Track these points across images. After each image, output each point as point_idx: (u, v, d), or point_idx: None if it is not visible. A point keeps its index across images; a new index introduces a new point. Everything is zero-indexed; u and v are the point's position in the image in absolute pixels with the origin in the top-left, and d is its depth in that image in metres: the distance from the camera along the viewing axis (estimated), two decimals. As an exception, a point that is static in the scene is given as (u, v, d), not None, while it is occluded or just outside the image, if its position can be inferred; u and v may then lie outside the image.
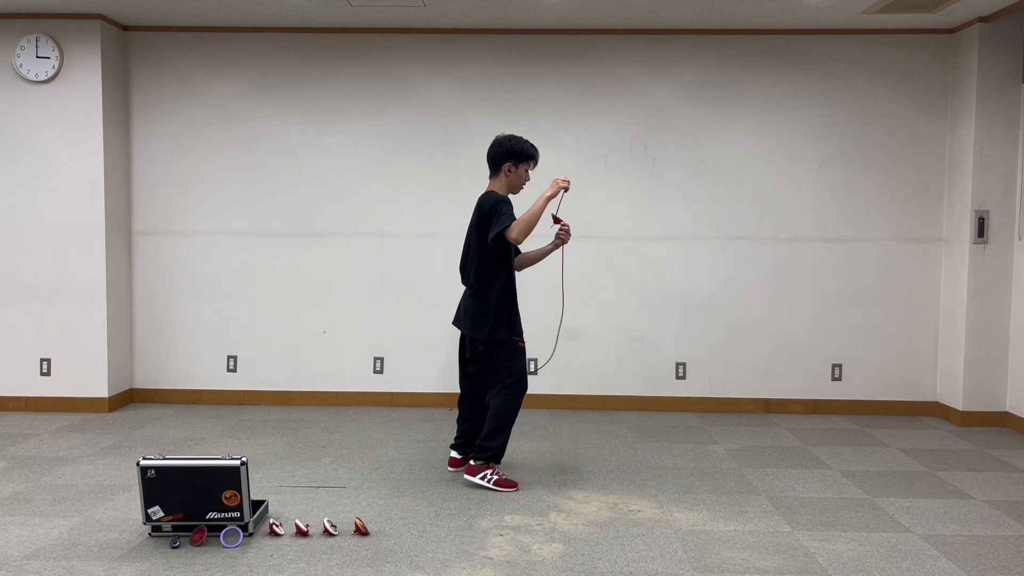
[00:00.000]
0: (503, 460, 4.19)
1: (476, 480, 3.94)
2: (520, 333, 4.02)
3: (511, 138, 4.04)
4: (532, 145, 4.06)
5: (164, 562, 3.08)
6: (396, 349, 5.67)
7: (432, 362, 5.67)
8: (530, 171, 4.09)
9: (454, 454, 4.22)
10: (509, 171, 4.04)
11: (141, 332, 5.70)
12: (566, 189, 3.91)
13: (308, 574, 2.99)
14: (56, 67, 5.24)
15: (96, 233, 5.33)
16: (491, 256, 3.95)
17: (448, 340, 5.64)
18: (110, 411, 5.42)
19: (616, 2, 4.85)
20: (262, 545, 3.24)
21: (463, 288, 4.37)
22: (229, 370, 5.70)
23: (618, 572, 3.02)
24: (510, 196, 4.04)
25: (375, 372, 5.69)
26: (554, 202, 3.95)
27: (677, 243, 5.54)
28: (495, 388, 3.99)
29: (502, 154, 4.03)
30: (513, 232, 3.79)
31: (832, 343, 5.57)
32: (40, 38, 5.23)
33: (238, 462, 3.23)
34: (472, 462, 3.98)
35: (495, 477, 3.94)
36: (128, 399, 5.67)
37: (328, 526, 3.35)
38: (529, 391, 5.61)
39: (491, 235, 3.85)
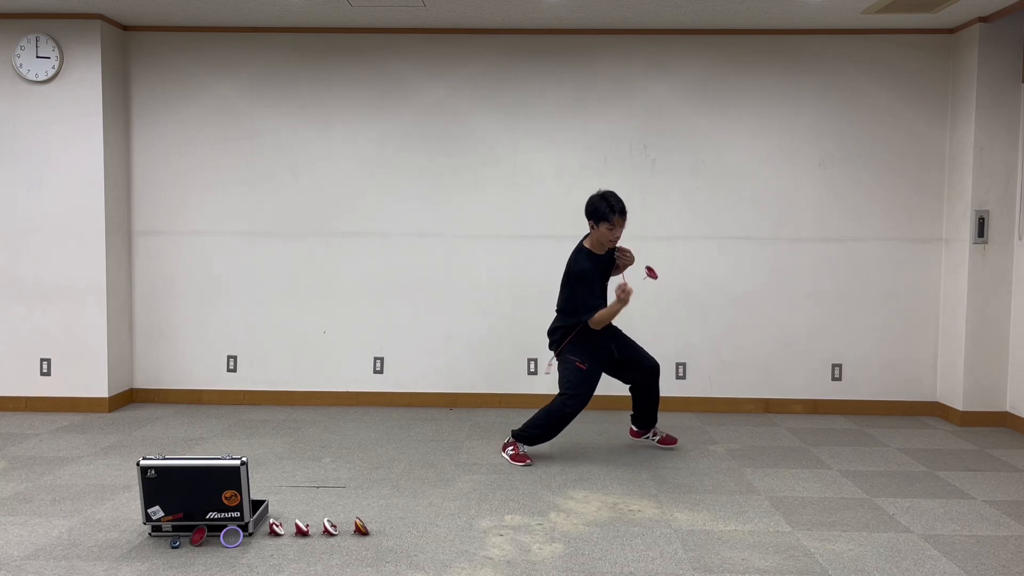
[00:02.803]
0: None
1: (503, 453, 4.48)
2: (583, 358, 4.32)
3: (595, 197, 4.25)
4: (610, 206, 4.17)
5: (164, 562, 3.08)
6: (396, 349, 5.67)
7: (432, 362, 5.67)
8: (613, 231, 4.21)
9: (633, 427, 4.74)
10: (593, 228, 4.26)
11: (141, 332, 5.70)
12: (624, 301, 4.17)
13: (308, 574, 2.99)
14: (56, 67, 5.24)
15: (96, 233, 5.33)
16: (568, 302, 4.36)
17: (448, 340, 5.65)
18: (110, 411, 5.42)
19: (616, 2, 4.85)
20: (262, 545, 3.24)
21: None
22: (229, 370, 5.70)
23: (618, 572, 3.02)
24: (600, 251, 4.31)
25: (375, 372, 5.69)
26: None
27: (677, 243, 5.54)
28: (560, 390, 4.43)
29: (588, 212, 4.26)
30: (592, 325, 4.24)
31: (832, 343, 5.57)
32: (40, 38, 5.23)
33: (238, 462, 3.23)
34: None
35: (511, 452, 4.43)
36: (128, 399, 5.67)
37: (328, 526, 3.35)
38: (529, 391, 5.67)
39: (582, 320, 4.25)
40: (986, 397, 5.27)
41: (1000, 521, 3.59)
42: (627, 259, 4.36)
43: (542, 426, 4.40)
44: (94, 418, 5.27)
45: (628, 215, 4.25)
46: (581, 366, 4.31)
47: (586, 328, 4.29)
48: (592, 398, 4.42)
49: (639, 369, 4.48)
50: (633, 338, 5.60)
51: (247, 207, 5.63)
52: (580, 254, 4.29)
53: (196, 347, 5.69)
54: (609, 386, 5.62)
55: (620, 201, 4.20)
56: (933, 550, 3.26)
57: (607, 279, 4.42)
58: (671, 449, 4.64)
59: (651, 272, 4.34)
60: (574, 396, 4.31)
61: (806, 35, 5.44)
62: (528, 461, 4.37)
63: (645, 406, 4.59)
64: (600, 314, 4.18)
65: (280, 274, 5.66)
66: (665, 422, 5.28)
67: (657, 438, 4.67)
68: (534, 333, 5.63)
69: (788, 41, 5.46)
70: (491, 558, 3.13)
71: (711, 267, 5.56)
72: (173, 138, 5.61)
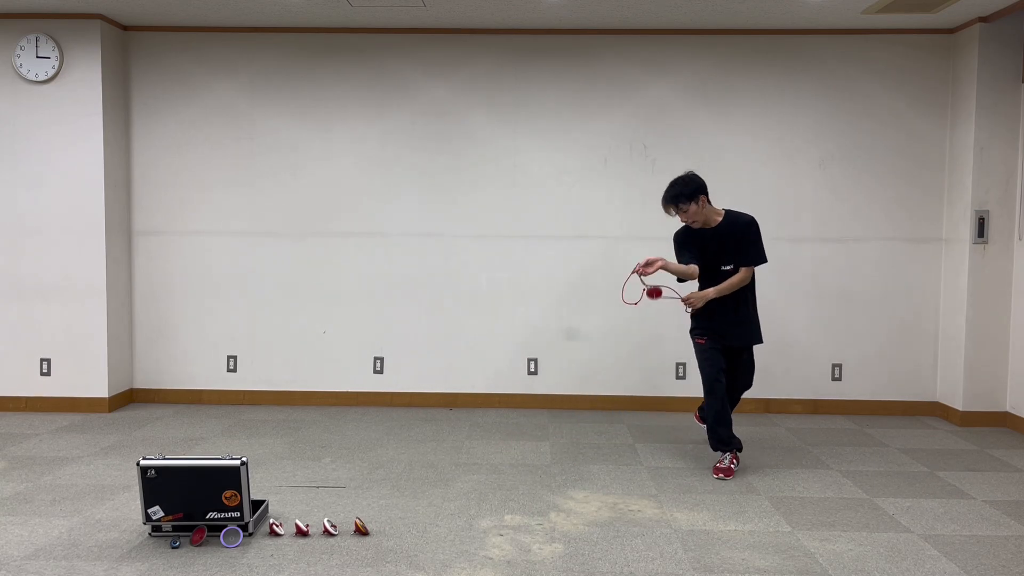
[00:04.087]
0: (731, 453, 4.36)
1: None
2: (700, 333, 4.33)
3: None
4: (664, 195, 4.27)
5: (164, 562, 3.08)
6: (396, 349, 5.67)
7: (432, 362, 5.67)
8: (673, 214, 4.28)
9: None
10: None
11: (141, 332, 5.70)
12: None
13: (308, 574, 2.99)
14: (56, 67, 5.24)
15: (96, 233, 5.33)
16: None
17: (448, 340, 5.65)
18: (110, 411, 5.42)
19: (616, 2, 4.85)
20: (262, 545, 3.25)
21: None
22: (229, 370, 5.70)
23: (618, 572, 3.02)
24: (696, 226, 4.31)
25: (375, 372, 5.69)
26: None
27: (677, 243, 5.53)
28: None
29: None
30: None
31: (832, 343, 5.57)
32: (40, 38, 5.23)
33: (238, 462, 3.23)
34: None
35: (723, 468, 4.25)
36: (128, 399, 5.67)
37: (328, 526, 3.35)
38: (529, 391, 5.67)
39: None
40: (986, 397, 5.27)
41: (1000, 521, 3.59)
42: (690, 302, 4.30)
43: (711, 423, 4.26)
44: (94, 418, 5.27)
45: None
46: (700, 341, 4.35)
47: (700, 308, 4.30)
48: (720, 370, 4.28)
49: (730, 386, 4.42)
50: (633, 338, 5.63)
51: (247, 207, 5.63)
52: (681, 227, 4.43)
53: (196, 347, 5.69)
54: (609, 387, 5.63)
55: (671, 188, 4.21)
56: (933, 550, 3.26)
57: (717, 260, 4.28)
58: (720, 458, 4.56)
59: (653, 294, 4.29)
60: (701, 374, 4.34)
61: (806, 35, 5.44)
62: (721, 475, 4.18)
63: None
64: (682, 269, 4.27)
65: (280, 274, 5.66)
66: (666, 422, 5.29)
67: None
68: (534, 333, 5.64)
69: (788, 41, 5.46)
70: (491, 558, 3.13)
71: (711, 267, 5.55)
72: (173, 138, 5.61)
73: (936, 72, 5.43)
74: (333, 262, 5.65)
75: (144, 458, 3.24)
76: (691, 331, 4.42)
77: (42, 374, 5.43)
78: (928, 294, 5.53)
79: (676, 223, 5.53)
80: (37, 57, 5.24)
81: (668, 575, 3.00)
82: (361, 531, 3.34)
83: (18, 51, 5.23)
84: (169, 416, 5.34)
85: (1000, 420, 5.26)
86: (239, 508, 3.25)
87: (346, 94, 5.56)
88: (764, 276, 5.54)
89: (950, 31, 5.37)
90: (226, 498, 3.24)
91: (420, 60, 5.54)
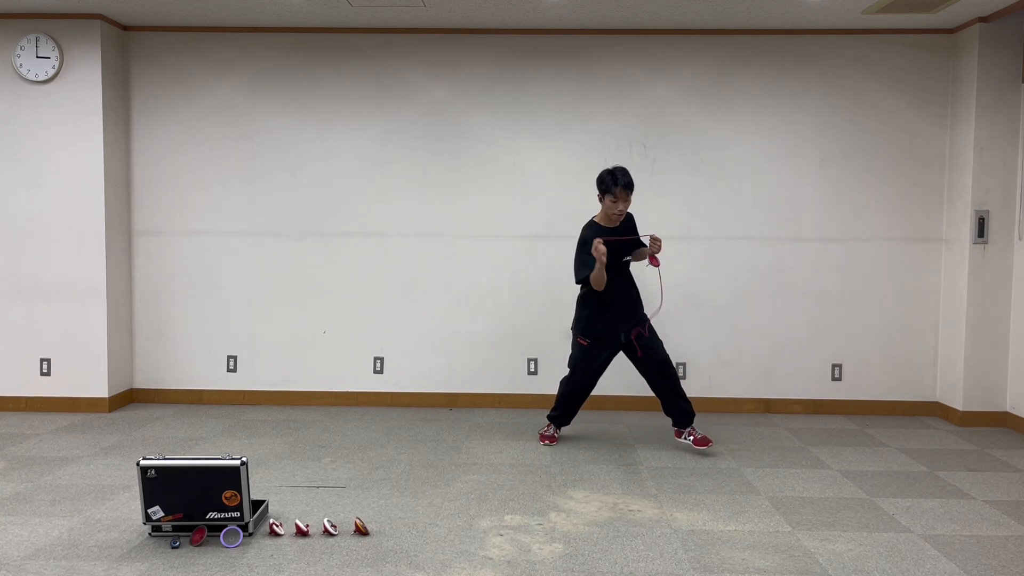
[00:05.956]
0: (563, 431, 4.96)
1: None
2: (589, 335, 4.52)
3: (604, 170, 4.46)
4: (614, 179, 4.39)
5: (164, 562, 3.08)
6: (396, 349, 5.67)
7: (432, 362, 5.67)
8: (617, 203, 4.41)
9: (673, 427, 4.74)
10: (600, 200, 4.47)
11: (141, 332, 5.70)
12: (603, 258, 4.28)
13: (308, 574, 2.99)
14: (56, 67, 5.24)
15: (96, 233, 5.33)
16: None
17: (448, 340, 5.65)
18: (110, 411, 5.42)
19: (616, 2, 4.85)
20: (262, 545, 3.25)
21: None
22: (229, 370, 5.70)
23: (618, 572, 3.02)
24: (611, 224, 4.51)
25: (375, 372, 5.69)
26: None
27: (677, 243, 5.54)
28: None
29: (597, 184, 4.48)
30: (593, 285, 4.38)
31: (832, 343, 5.57)
32: (40, 38, 5.23)
33: (238, 462, 3.23)
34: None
35: (542, 432, 4.84)
36: (128, 399, 5.67)
37: (328, 526, 3.35)
38: (529, 391, 5.67)
39: (575, 280, 4.54)
40: (986, 397, 5.27)
41: (1000, 521, 3.59)
42: (657, 247, 4.45)
43: (559, 406, 4.74)
44: (94, 418, 5.27)
45: (626, 196, 4.40)
46: (582, 342, 4.55)
47: (588, 303, 4.53)
48: (597, 376, 4.62)
49: (650, 363, 4.53)
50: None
51: (247, 207, 5.63)
52: (586, 224, 4.56)
53: (196, 347, 5.69)
54: (609, 387, 5.63)
55: (626, 175, 4.40)
56: (933, 550, 3.26)
57: (621, 254, 4.50)
58: (705, 452, 4.57)
59: (653, 260, 4.50)
60: (571, 371, 4.63)
61: (806, 35, 5.44)
62: (547, 442, 4.74)
63: (665, 400, 4.60)
64: (593, 278, 4.38)
65: (280, 274, 5.66)
66: (666, 422, 5.28)
67: (691, 439, 4.57)
68: (534, 333, 5.64)
69: (788, 41, 5.46)
70: (491, 558, 3.14)
71: (711, 267, 5.56)
72: (173, 138, 5.61)
73: (936, 72, 5.43)
74: (333, 262, 5.65)
75: (144, 458, 3.24)
76: (574, 327, 4.61)
77: (42, 374, 5.43)
78: (928, 294, 5.53)
79: (675, 223, 5.56)
80: (37, 57, 5.24)
81: (668, 575, 3.00)
82: (361, 531, 3.34)
83: (18, 51, 5.23)
84: (169, 416, 5.34)
85: (1000, 420, 5.26)
86: (239, 508, 3.25)
87: (346, 94, 5.57)
88: (764, 276, 5.55)
89: (950, 31, 5.37)
90: (226, 498, 3.24)
91: (420, 60, 5.54)
